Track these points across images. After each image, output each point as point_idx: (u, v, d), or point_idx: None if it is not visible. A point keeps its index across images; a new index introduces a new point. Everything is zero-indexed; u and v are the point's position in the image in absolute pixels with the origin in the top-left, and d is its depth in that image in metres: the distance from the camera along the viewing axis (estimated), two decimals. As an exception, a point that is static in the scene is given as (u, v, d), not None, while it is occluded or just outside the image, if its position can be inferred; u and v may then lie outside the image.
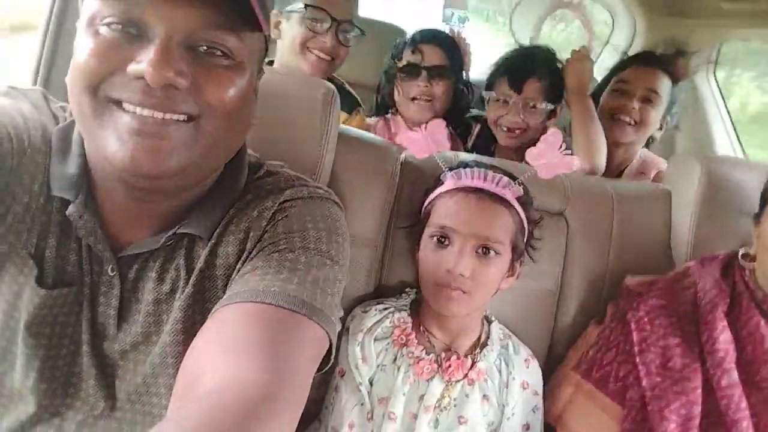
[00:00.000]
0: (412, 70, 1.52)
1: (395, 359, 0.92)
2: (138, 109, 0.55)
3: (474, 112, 1.69)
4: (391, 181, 1.06)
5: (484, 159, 1.12)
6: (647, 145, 1.60)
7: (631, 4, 2.01)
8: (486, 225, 0.90)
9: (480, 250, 0.90)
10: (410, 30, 1.94)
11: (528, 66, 1.45)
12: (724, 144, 1.87)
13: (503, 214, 0.92)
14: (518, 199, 0.94)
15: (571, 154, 0.96)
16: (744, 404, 0.81)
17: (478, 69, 1.67)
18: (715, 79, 1.87)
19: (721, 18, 1.69)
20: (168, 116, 0.56)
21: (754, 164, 1.16)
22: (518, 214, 0.93)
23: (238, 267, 0.66)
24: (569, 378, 0.97)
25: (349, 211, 0.86)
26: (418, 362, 0.91)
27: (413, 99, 1.52)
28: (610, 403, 0.90)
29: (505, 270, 0.94)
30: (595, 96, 1.54)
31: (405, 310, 0.97)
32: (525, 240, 0.97)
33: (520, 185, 0.95)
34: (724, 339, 0.84)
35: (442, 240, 0.92)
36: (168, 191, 0.63)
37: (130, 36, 0.54)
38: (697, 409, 0.82)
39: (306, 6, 1.32)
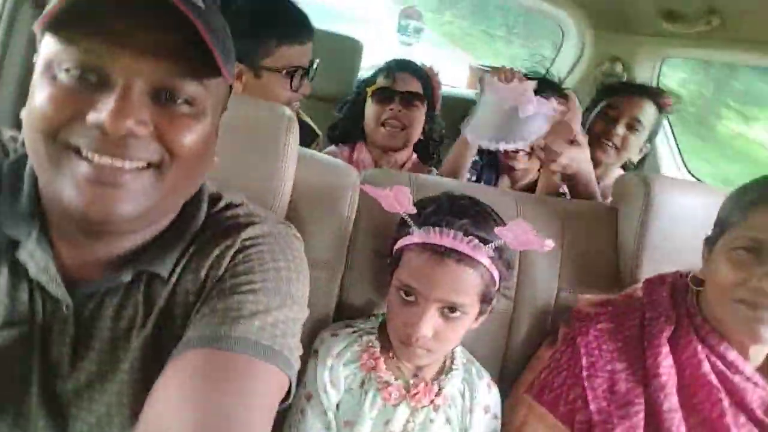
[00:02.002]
0: (386, 94, 1.52)
1: (363, 383, 0.94)
2: (96, 157, 0.54)
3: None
4: (350, 202, 1.08)
5: (469, 188, 1.11)
6: (625, 168, 1.68)
7: (580, 19, 2.09)
8: (452, 290, 0.87)
9: (446, 310, 0.88)
10: (366, 42, 1.95)
11: None
12: (668, 163, 1.99)
13: (471, 276, 0.88)
14: (491, 257, 0.89)
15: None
16: (683, 428, 0.85)
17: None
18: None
19: (662, 36, 1.79)
20: (126, 164, 0.55)
21: (697, 185, 1.23)
22: (489, 271, 0.89)
23: (197, 306, 0.66)
24: (522, 401, 1.00)
25: (307, 233, 0.87)
26: (386, 387, 0.93)
27: (383, 124, 1.52)
28: (560, 425, 0.93)
29: (472, 321, 0.93)
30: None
31: (373, 334, 0.99)
32: (497, 288, 0.94)
33: (492, 247, 0.89)
34: (666, 364, 0.88)
35: (408, 294, 0.90)
36: (125, 232, 0.63)
37: (90, 83, 0.54)
38: None
39: (288, 70, 1.25)
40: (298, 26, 1.30)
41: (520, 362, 1.11)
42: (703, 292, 0.92)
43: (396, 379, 0.94)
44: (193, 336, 0.60)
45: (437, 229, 0.89)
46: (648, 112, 1.61)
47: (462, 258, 0.87)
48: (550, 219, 1.17)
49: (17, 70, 1.14)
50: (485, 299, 0.91)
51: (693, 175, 2.00)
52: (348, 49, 1.95)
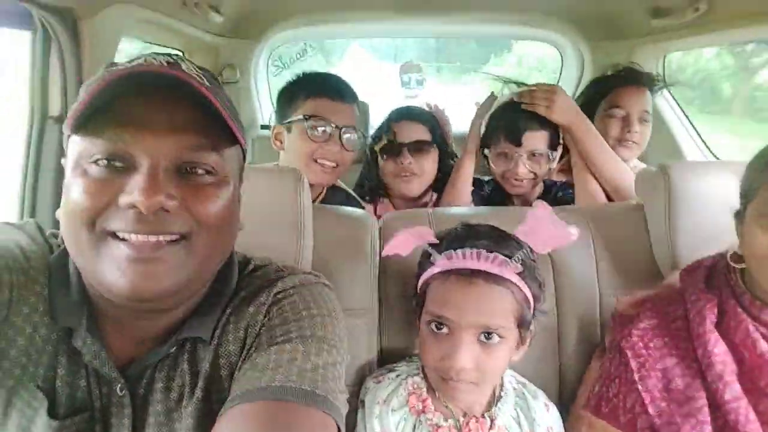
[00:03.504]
0: (392, 149, 1.55)
1: (414, 428, 0.91)
2: (132, 236, 0.58)
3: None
4: (373, 248, 1.10)
5: (485, 211, 1.11)
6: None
7: (574, 37, 2.13)
8: (485, 312, 0.84)
9: (482, 336, 0.84)
10: (373, 103, 2.02)
11: (524, 118, 1.44)
12: (691, 149, 1.94)
13: (503, 296, 0.84)
14: (519, 273, 0.86)
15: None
16: (752, 415, 0.78)
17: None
18: (668, 89, 1.96)
19: (656, 34, 1.80)
20: (161, 238, 0.59)
21: (714, 163, 1.19)
22: (520, 289, 0.86)
23: (239, 364, 0.67)
24: (581, 418, 0.95)
25: (337, 284, 0.88)
26: (437, 430, 0.90)
27: (397, 176, 1.55)
28: None
29: (513, 347, 0.88)
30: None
31: (417, 375, 0.97)
32: (532, 311, 0.90)
33: (518, 261, 0.86)
34: (719, 351, 0.82)
35: (440, 327, 0.87)
36: (167, 307, 0.66)
37: (117, 169, 0.58)
38: (708, 429, 0.80)
39: (307, 116, 1.32)
40: (326, 82, 1.38)
41: (576, 377, 1.07)
42: (746, 268, 0.86)
43: (446, 419, 0.91)
44: (236, 393, 0.61)
45: (459, 252, 0.86)
46: (649, 100, 1.62)
47: (490, 277, 0.84)
48: (577, 227, 1.15)
49: (50, 182, 1.24)
50: (521, 323, 0.87)
51: (716, 157, 1.94)
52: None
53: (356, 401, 0.98)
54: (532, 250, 0.88)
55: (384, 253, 0.97)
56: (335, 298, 0.77)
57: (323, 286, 0.78)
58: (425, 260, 0.93)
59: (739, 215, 0.87)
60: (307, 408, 0.59)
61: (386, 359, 1.08)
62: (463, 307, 0.84)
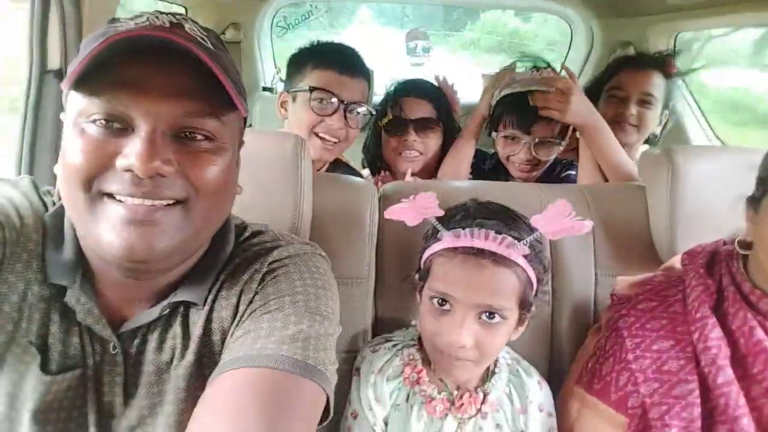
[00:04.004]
0: (397, 125, 1.50)
1: (408, 398, 0.92)
2: (129, 199, 0.58)
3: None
4: (371, 217, 1.10)
5: (490, 186, 1.11)
6: (649, 142, 1.64)
7: (586, 11, 2.09)
8: (489, 293, 0.84)
9: (484, 316, 0.85)
10: (378, 70, 1.97)
11: (535, 108, 1.39)
12: (698, 134, 1.93)
13: (508, 277, 0.85)
14: (525, 256, 0.86)
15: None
16: (742, 400, 0.79)
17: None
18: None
19: (670, 12, 1.76)
20: (157, 203, 0.59)
21: (719, 149, 1.18)
22: (525, 271, 0.86)
23: (232, 330, 0.68)
24: (573, 393, 0.96)
25: (335, 252, 0.88)
26: (430, 401, 0.91)
27: (401, 154, 1.51)
28: (614, 413, 0.88)
29: (512, 328, 0.89)
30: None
31: (413, 345, 0.98)
32: (534, 293, 0.90)
33: (526, 244, 0.85)
34: (714, 336, 0.82)
35: (442, 304, 0.87)
36: (162, 269, 0.66)
37: (116, 130, 0.58)
38: (698, 411, 0.81)
39: (312, 88, 1.28)
40: (336, 54, 1.33)
41: (568, 356, 1.08)
42: (751, 256, 0.85)
43: (439, 392, 0.92)
44: (228, 359, 0.62)
45: (468, 230, 0.86)
46: (656, 82, 1.56)
47: (497, 258, 0.83)
48: (577, 205, 1.13)
49: (49, 136, 1.22)
50: (524, 304, 0.87)
51: (722, 142, 1.93)
52: None
53: (350, 368, 0.99)
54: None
55: (386, 216, 0.98)
56: (330, 269, 0.78)
57: (319, 257, 0.78)
58: (432, 235, 0.93)
59: (753, 201, 0.85)
60: (297, 377, 0.60)
61: (381, 329, 1.09)
62: (468, 286, 0.84)
